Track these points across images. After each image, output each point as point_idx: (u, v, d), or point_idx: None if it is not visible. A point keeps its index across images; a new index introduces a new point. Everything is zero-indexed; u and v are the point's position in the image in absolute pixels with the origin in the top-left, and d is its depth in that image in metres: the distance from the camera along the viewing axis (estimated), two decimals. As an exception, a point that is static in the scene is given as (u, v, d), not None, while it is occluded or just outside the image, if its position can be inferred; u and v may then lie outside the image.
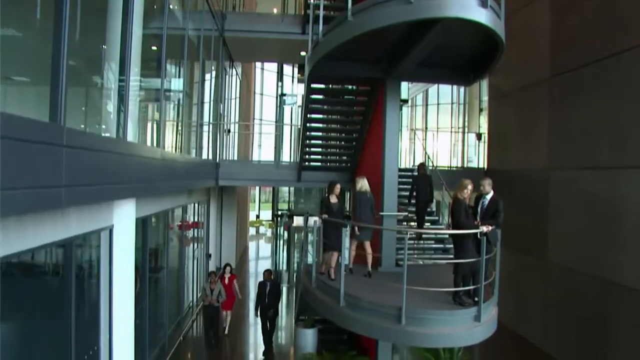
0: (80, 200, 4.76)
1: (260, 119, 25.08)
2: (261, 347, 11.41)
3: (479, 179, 8.16)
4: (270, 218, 28.34)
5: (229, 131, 15.63)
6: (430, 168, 12.26)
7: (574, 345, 10.48)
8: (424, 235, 10.89)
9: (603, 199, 9.83)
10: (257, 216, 30.60)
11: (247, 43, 14.68)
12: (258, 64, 27.06)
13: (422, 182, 10.54)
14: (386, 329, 7.04)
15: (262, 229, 29.55)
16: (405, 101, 21.30)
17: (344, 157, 13.11)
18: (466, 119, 18.26)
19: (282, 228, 20.21)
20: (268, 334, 11.17)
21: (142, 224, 8.71)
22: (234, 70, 16.98)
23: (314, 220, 8.66)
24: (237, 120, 17.84)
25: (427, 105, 21.78)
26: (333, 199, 8.69)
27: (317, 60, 9.20)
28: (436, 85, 20.97)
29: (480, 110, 17.27)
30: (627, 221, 9.22)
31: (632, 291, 9.01)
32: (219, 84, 14.68)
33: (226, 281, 12.02)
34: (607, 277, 9.61)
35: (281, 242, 20.26)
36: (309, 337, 9.96)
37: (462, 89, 18.91)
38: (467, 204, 7.61)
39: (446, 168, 14.72)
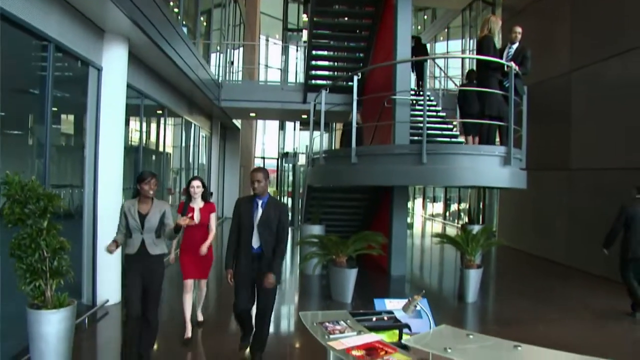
0: None
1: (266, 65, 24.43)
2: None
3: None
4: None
5: (232, 63, 15.02)
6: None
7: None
8: None
9: (634, 84, 9.07)
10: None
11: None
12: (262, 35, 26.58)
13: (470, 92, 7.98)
14: (406, 171, 6.36)
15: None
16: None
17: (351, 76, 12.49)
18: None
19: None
20: (251, 322, 4.73)
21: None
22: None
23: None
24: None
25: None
26: None
27: None
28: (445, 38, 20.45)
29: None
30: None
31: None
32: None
33: (195, 217, 5.41)
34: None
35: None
36: (316, 232, 9.17)
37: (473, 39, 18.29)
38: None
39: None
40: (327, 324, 3.22)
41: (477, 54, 6.95)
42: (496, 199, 14.88)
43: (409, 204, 20.52)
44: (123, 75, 6.95)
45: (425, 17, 24.23)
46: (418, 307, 2.61)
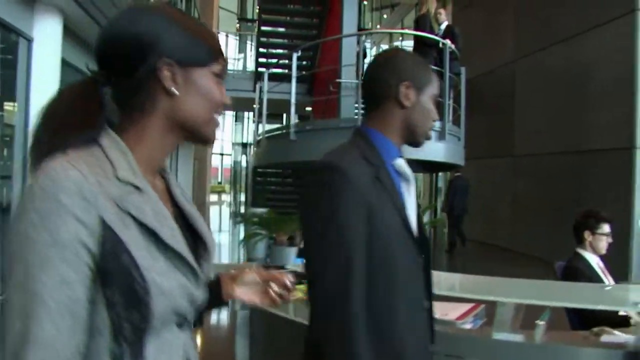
0: None
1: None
2: None
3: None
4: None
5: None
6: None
7: (546, 236, 9.86)
8: None
9: (574, 69, 9.36)
10: (220, 182, 29.51)
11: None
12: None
13: None
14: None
15: (224, 197, 28.24)
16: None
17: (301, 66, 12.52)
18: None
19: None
20: None
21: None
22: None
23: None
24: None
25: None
26: None
27: None
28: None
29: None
30: (596, 80, 8.75)
31: (606, 151, 8.45)
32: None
33: None
34: (585, 146, 9.02)
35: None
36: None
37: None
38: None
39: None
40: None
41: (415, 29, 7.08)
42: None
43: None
44: (57, 49, 6.71)
45: (385, 16, 24.44)
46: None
